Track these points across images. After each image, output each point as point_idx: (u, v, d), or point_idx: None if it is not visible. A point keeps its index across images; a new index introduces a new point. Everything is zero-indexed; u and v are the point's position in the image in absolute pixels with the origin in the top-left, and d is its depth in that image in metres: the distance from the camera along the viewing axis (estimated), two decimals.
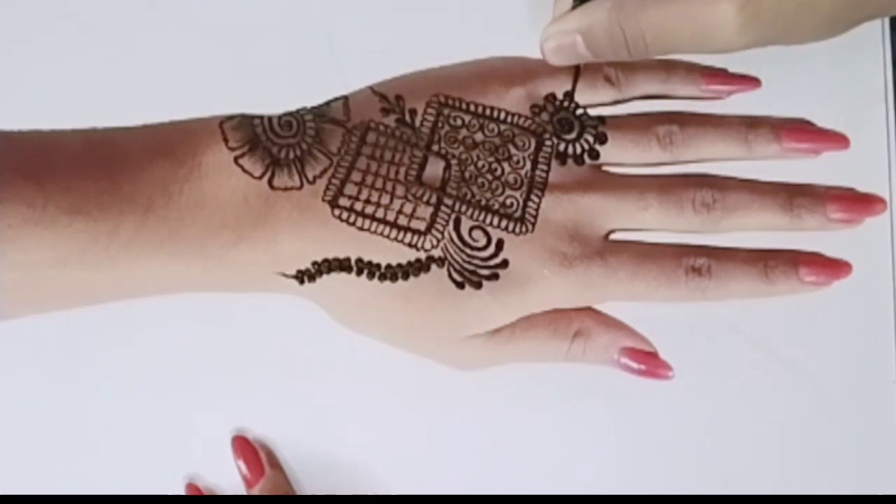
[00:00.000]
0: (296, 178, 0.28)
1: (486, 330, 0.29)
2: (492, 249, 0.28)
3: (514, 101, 0.30)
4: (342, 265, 0.28)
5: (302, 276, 0.29)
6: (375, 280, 0.28)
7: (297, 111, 0.29)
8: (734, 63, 0.31)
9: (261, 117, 0.29)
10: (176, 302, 0.30)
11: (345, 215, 0.28)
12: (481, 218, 0.28)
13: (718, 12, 0.25)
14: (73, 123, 0.28)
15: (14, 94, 0.39)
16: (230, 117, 0.29)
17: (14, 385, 0.37)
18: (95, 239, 0.26)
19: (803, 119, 0.30)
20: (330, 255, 0.28)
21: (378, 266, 0.28)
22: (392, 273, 0.28)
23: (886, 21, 0.39)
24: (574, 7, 0.27)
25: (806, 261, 0.29)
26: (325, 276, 0.28)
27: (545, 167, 0.29)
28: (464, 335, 0.29)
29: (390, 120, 0.29)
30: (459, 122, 0.29)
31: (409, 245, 0.28)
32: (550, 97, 0.30)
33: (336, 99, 0.30)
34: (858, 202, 0.29)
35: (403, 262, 0.28)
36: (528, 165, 0.29)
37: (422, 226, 0.28)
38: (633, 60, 0.27)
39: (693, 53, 0.27)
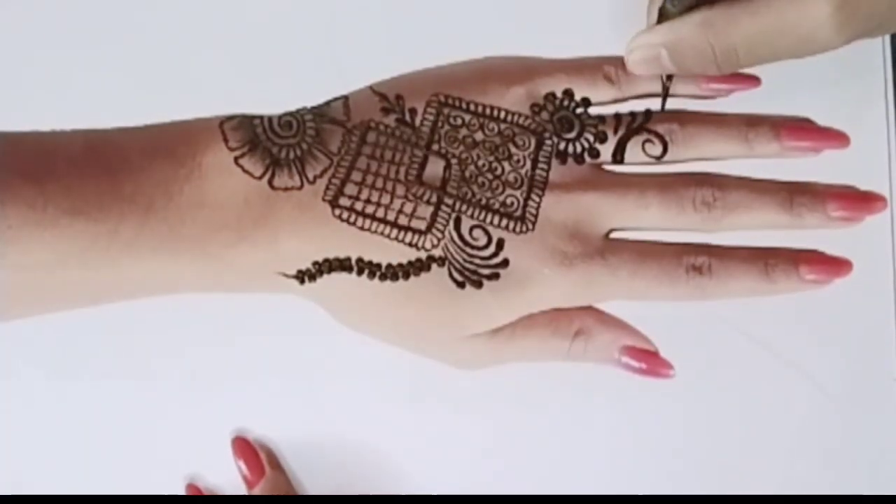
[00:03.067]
0: (296, 177, 0.28)
1: (487, 329, 0.29)
2: (492, 248, 0.28)
3: (513, 100, 0.30)
4: (343, 265, 0.28)
5: (302, 276, 0.28)
6: (376, 280, 0.28)
7: (297, 111, 0.29)
8: None
9: (261, 117, 0.29)
10: (176, 302, 0.30)
11: (345, 215, 0.28)
12: (482, 217, 0.28)
13: (815, 16, 0.24)
14: (73, 123, 0.28)
15: (14, 94, 0.39)
16: (230, 117, 0.29)
17: (14, 385, 0.37)
18: (96, 239, 0.26)
19: (804, 117, 0.30)
20: (330, 255, 0.28)
21: (378, 266, 0.28)
22: (393, 273, 0.28)
23: None
24: (659, 21, 0.27)
25: (806, 259, 0.29)
26: (325, 276, 0.28)
27: (545, 166, 0.29)
28: (464, 334, 0.29)
29: (390, 119, 0.29)
30: (459, 121, 0.29)
31: (410, 244, 0.28)
32: (550, 96, 0.30)
33: (336, 99, 0.30)
34: (859, 200, 0.29)
35: (404, 261, 0.28)
36: (529, 164, 0.29)
37: (422, 225, 0.28)
38: (721, 74, 0.27)
39: (786, 59, 0.26)
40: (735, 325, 0.37)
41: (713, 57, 0.26)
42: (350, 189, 0.28)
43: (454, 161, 0.29)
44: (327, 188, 0.28)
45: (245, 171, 0.28)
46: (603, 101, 0.31)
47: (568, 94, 0.30)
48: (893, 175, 0.38)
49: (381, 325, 0.30)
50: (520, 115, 0.30)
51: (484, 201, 0.29)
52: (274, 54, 0.40)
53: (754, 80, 0.30)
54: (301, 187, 0.28)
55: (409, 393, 0.37)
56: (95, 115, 0.29)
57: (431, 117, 0.29)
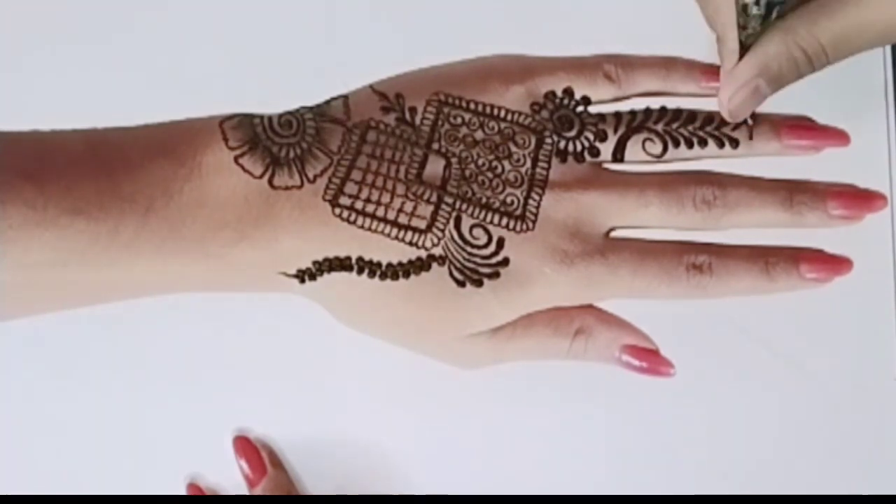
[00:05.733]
0: (296, 177, 0.28)
1: (488, 328, 0.29)
2: (493, 247, 0.28)
3: (513, 98, 0.30)
4: (343, 264, 0.28)
5: (303, 275, 0.28)
6: (376, 279, 0.28)
7: (297, 110, 0.29)
8: None
9: (261, 117, 0.29)
10: (176, 302, 0.30)
11: (345, 214, 0.28)
12: (482, 216, 0.28)
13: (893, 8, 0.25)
14: (73, 123, 0.28)
15: (14, 94, 0.39)
16: (230, 117, 0.29)
17: (14, 385, 0.37)
18: (96, 239, 0.26)
19: (804, 116, 0.30)
20: (331, 254, 0.28)
21: (379, 265, 0.28)
22: (393, 272, 0.28)
23: None
24: (741, 57, 0.27)
25: (807, 257, 0.29)
26: (325, 275, 0.28)
27: (545, 165, 0.29)
28: (465, 333, 0.29)
29: (390, 118, 0.29)
30: (459, 120, 0.29)
31: (410, 243, 0.28)
32: (550, 95, 0.30)
33: (336, 98, 0.30)
34: (859, 198, 0.29)
35: (404, 260, 0.28)
36: (529, 163, 0.29)
37: (422, 224, 0.28)
38: (815, 72, 0.27)
39: (874, 49, 0.27)
40: (735, 324, 0.37)
41: (807, 60, 0.26)
42: (350, 188, 0.28)
43: (454, 160, 0.29)
44: (327, 187, 0.28)
45: (245, 171, 0.28)
46: (603, 99, 0.31)
47: (568, 92, 0.30)
48: (893, 173, 0.38)
49: (382, 325, 0.30)
50: (520, 113, 0.30)
51: (484, 200, 0.29)
52: (274, 54, 0.40)
53: None
54: (301, 186, 0.28)
55: (409, 392, 0.37)
56: (95, 115, 0.29)
57: (431, 116, 0.29)
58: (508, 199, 0.29)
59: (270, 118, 0.29)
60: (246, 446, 0.36)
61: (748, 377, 0.37)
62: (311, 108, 0.30)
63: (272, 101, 0.30)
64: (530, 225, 0.28)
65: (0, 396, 0.37)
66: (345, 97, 0.30)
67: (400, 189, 0.28)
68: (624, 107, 0.31)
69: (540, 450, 0.37)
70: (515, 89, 0.30)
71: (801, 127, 0.30)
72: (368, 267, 0.28)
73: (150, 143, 0.28)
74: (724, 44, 0.28)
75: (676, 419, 0.37)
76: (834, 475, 0.37)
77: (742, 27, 0.27)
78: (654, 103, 0.30)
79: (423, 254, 0.28)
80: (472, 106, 0.30)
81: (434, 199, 0.28)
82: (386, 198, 0.28)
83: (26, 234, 0.25)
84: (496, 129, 0.30)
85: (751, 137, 0.30)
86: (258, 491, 0.36)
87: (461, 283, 0.28)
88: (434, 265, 0.28)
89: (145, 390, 0.37)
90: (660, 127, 0.30)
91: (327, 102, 0.30)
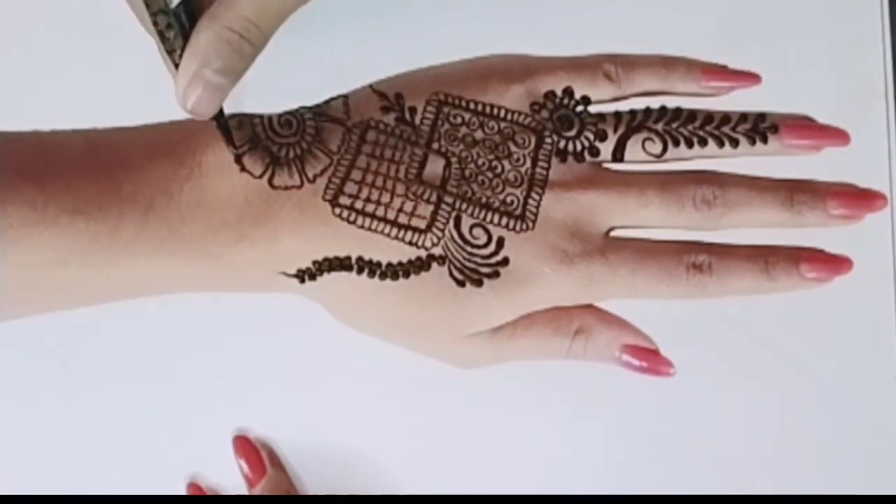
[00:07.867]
0: (296, 176, 0.28)
1: (488, 328, 0.29)
2: (492, 247, 0.28)
3: (513, 98, 0.30)
4: (343, 264, 0.28)
5: (303, 275, 0.29)
6: (376, 279, 0.28)
7: (297, 110, 0.29)
8: (734, 60, 0.31)
9: (261, 116, 0.29)
10: (176, 302, 0.30)
11: (345, 214, 0.28)
12: (482, 216, 0.28)
13: None
14: (73, 123, 0.28)
15: (14, 94, 0.39)
16: (230, 116, 0.29)
17: (14, 385, 0.37)
18: (96, 239, 0.26)
19: (804, 115, 0.30)
20: (330, 254, 0.28)
21: (379, 264, 0.28)
22: (393, 271, 0.28)
23: (886, 18, 0.39)
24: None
25: (807, 257, 0.29)
26: (325, 275, 0.28)
27: (545, 164, 0.29)
28: (465, 333, 0.29)
29: (390, 118, 0.29)
30: (459, 119, 0.29)
31: (410, 243, 0.28)
32: (550, 94, 0.30)
33: (336, 98, 0.30)
34: (859, 198, 0.29)
35: (404, 260, 0.28)
36: (529, 163, 0.29)
37: (422, 224, 0.28)
38: None
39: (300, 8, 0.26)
40: (735, 323, 0.37)
41: (240, 38, 0.25)
42: (350, 188, 0.28)
43: (454, 160, 0.29)
44: (327, 187, 0.28)
45: (245, 170, 0.28)
46: (603, 99, 0.31)
47: (568, 92, 0.30)
48: (893, 173, 0.38)
49: (382, 324, 0.30)
50: (520, 113, 0.30)
51: (484, 200, 0.29)
52: (273, 54, 0.40)
53: (755, 78, 0.30)
54: (301, 186, 0.28)
55: (409, 392, 0.37)
56: (95, 115, 0.29)
57: (431, 116, 0.29)
58: (508, 199, 0.29)
59: (270, 118, 0.29)
60: (246, 446, 0.36)
61: (748, 377, 0.37)
62: (310, 108, 0.30)
63: (272, 101, 0.30)
64: (530, 225, 0.28)
65: (0, 396, 0.37)
66: (345, 97, 0.30)
67: (400, 189, 0.28)
68: (624, 106, 0.31)
69: (540, 450, 0.37)
70: (515, 89, 0.30)
71: (802, 126, 0.30)
72: (368, 267, 0.28)
73: (151, 143, 0.28)
74: (160, 50, 0.26)
75: (676, 419, 0.37)
76: (834, 475, 0.37)
77: (163, 35, 0.25)
78: (654, 103, 0.31)
79: (423, 253, 0.28)
80: (471, 106, 0.30)
81: (434, 198, 0.28)
82: (386, 197, 0.28)
83: (26, 234, 0.25)
84: (496, 128, 0.30)
85: (751, 138, 0.30)
86: (258, 491, 0.36)
87: (461, 283, 0.28)
88: (434, 265, 0.28)
89: (145, 390, 0.37)
90: (660, 126, 0.30)
91: (327, 102, 0.30)
